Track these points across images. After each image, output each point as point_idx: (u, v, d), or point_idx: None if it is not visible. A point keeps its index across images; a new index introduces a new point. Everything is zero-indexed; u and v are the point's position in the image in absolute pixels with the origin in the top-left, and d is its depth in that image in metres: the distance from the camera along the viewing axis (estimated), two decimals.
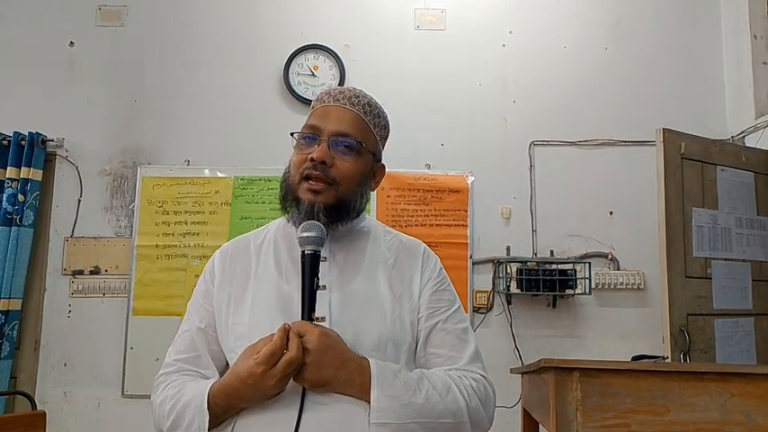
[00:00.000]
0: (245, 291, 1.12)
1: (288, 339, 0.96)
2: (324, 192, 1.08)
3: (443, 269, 1.20)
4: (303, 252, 1.03)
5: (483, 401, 1.07)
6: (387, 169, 1.25)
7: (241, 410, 1.02)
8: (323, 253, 1.06)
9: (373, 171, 1.18)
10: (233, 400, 1.00)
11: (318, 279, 1.01)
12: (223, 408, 1.01)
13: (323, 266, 1.06)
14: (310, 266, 1.01)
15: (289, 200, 1.12)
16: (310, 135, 1.11)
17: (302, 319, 1.00)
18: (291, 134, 1.16)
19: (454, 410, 1.02)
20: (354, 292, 1.10)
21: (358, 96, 1.16)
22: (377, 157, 1.19)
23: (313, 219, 1.06)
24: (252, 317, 1.08)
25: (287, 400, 0.98)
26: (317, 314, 1.02)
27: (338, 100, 1.14)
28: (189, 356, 1.12)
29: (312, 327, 0.98)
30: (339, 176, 1.09)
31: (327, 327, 1.02)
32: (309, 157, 1.08)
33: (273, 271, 1.12)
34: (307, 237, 1.03)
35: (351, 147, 1.10)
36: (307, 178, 1.09)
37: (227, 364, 1.10)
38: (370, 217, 1.24)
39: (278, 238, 1.17)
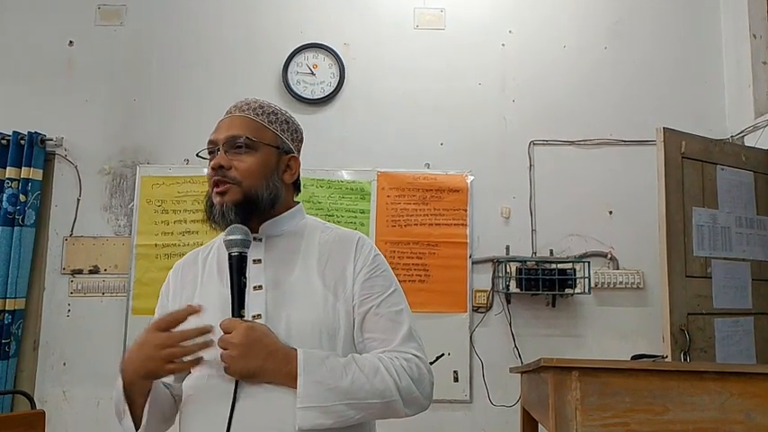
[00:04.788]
0: (193, 298, 1.19)
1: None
2: (228, 191, 1.15)
3: (379, 256, 1.23)
4: (230, 254, 1.11)
5: (415, 380, 1.11)
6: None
7: (183, 407, 1.14)
8: (258, 255, 1.17)
9: (284, 163, 1.23)
10: (129, 368, 1.06)
11: (246, 278, 1.10)
12: (127, 380, 1.07)
13: (258, 268, 1.16)
14: (237, 267, 1.10)
15: (209, 210, 1.19)
16: (210, 149, 1.20)
17: (232, 316, 1.07)
18: (197, 155, 1.25)
19: (382, 390, 1.07)
20: (288, 289, 1.15)
21: (249, 104, 1.24)
22: (282, 150, 1.22)
23: (224, 218, 1.14)
24: (197, 321, 1.11)
25: (222, 392, 1.06)
26: (253, 312, 1.11)
27: (229, 113, 1.24)
28: None
29: (239, 322, 1.06)
30: (239, 175, 1.16)
31: (262, 323, 1.09)
32: (210, 166, 1.18)
33: (216, 277, 1.20)
34: (231, 240, 1.11)
35: (242, 145, 1.17)
36: (215, 186, 1.17)
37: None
38: (311, 216, 1.30)
39: (220, 248, 1.23)
